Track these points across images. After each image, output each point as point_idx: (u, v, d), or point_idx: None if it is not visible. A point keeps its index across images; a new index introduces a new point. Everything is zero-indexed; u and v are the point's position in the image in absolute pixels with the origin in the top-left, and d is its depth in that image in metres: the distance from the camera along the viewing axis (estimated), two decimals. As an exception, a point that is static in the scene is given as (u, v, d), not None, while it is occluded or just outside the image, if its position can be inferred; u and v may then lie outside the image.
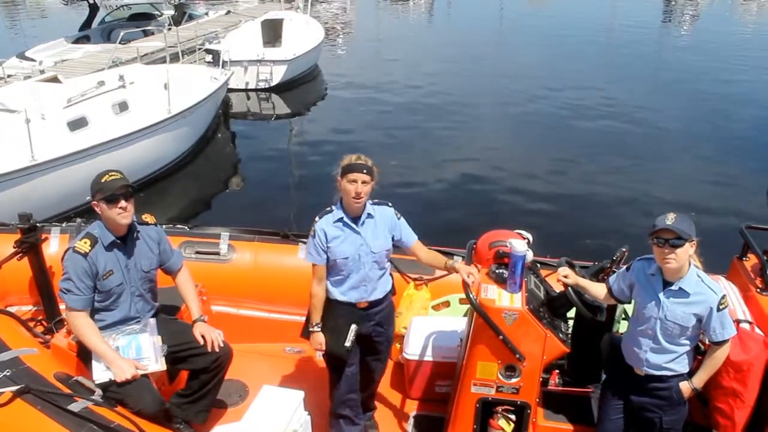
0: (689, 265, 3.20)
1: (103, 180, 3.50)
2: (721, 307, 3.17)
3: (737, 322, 3.46)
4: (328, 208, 3.68)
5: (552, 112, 16.02)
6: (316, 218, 3.67)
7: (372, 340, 3.91)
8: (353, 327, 3.69)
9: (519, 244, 3.39)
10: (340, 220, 3.62)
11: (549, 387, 4.02)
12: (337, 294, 3.71)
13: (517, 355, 3.42)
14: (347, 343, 3.67)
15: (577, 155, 13.15)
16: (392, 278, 3.93)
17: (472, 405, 3.63)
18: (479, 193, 11.45)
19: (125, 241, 3.65)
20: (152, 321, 3.79)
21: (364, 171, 3.48)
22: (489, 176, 12.15)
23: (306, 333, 3.83)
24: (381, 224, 3.70)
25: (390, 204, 3.78)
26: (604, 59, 22.45)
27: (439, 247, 4.30)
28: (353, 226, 3.62)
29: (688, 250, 3.12)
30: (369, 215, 3.67)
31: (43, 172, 9.39)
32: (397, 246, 3.80)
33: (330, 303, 3.74)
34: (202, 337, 3.75)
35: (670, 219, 3.10)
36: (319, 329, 3.74)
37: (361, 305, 3.75)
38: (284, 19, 18.24)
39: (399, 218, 3.76)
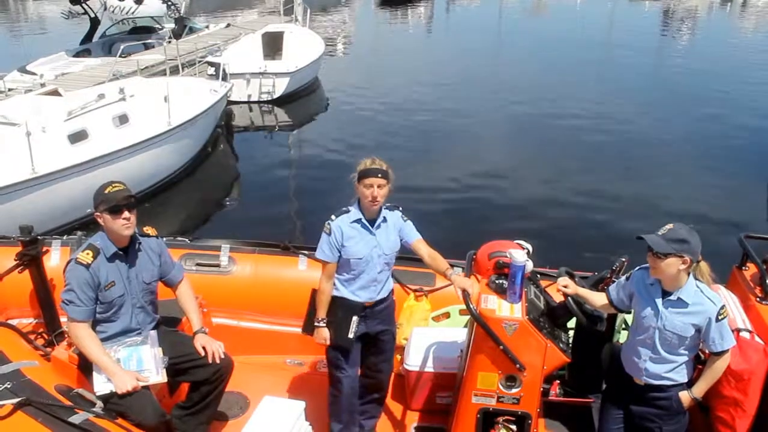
0: (687, 276, 3.21)
1: (106, 191, 3.52)
2: (720, 317, 3.18)
3: (737, 331, 3.46)
4: (345, 209, 3.79)
5: (552, 123, 16.06)
6: (332, 216, 3.77)
7: (378, 339, 3.98)
8: (354, 319, 3.78)
9: (519, 254, 3.41)
10: (358, 221, 3.73)
11: (550, 397, 4.02)
12: (347, 293, 3.81)
13: (518, 366, 3.42)
14: (350, 335, 3.77)
15: (577, 166, 13.19)
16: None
17: (473, 416, 3.63)
18: (479, 204, 11.46)
19: (127, 252, 3.66)
20: (153, 333, 3.79)
21: (379, 175, 3.62)
22: (489, 187, 12.16)
23: (309, 329, 3.91)
24: (392, 227, 3.82)
25: (400, 207, 3.91)
26: (604, 71, 22.49)
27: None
28: (369, 227, 3.74)
29: (677, 264, 3.12)
30: (384, 219, 3.78)
31: (44, 184, 9.41)
32: (402, 246, 3.90)
33: (333, 299, 3.83)
34: (203, 348, 3.75)
35: (662, 230, 3.13)
36: (325, 324, 3.82)
37: (368, 304, 3.85)
38: (284, 32, 18.30)
39: (405, 220, 3.88)
